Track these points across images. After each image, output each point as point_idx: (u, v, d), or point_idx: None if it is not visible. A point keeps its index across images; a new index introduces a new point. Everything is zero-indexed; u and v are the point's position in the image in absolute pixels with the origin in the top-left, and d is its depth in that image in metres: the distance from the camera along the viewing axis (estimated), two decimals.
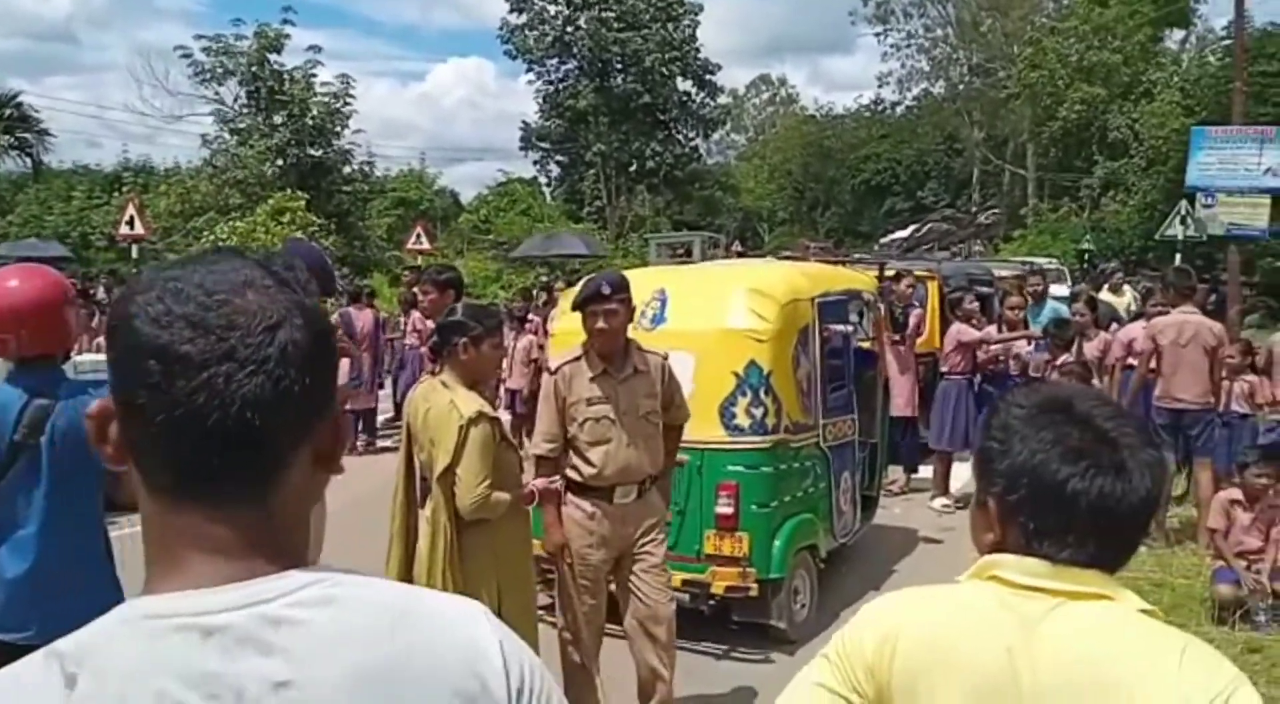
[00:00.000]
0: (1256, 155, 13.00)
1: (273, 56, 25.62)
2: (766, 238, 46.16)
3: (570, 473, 3.94)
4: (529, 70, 37.69)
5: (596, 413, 3.84)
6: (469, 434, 3.27)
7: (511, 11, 36.50)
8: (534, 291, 15.52)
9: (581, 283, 4.03)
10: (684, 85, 37.46)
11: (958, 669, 1.24)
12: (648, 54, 34.79)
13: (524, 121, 39.09)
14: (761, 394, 5.01)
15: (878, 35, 47.69)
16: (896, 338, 8.07)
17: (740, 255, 16.36)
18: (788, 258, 9.49)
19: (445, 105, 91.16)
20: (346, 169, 27.44)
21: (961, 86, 46.11)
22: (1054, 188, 40.19)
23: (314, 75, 26.05)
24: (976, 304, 8.75)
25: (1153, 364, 7.07)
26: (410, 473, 3.67)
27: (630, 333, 5.10)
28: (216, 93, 26.34)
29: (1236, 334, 10.71)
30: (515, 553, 3.43)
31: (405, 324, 9.85)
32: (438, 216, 37.99)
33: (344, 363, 6.98)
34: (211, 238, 20.70)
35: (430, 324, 5.23)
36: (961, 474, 8.13)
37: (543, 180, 40.53)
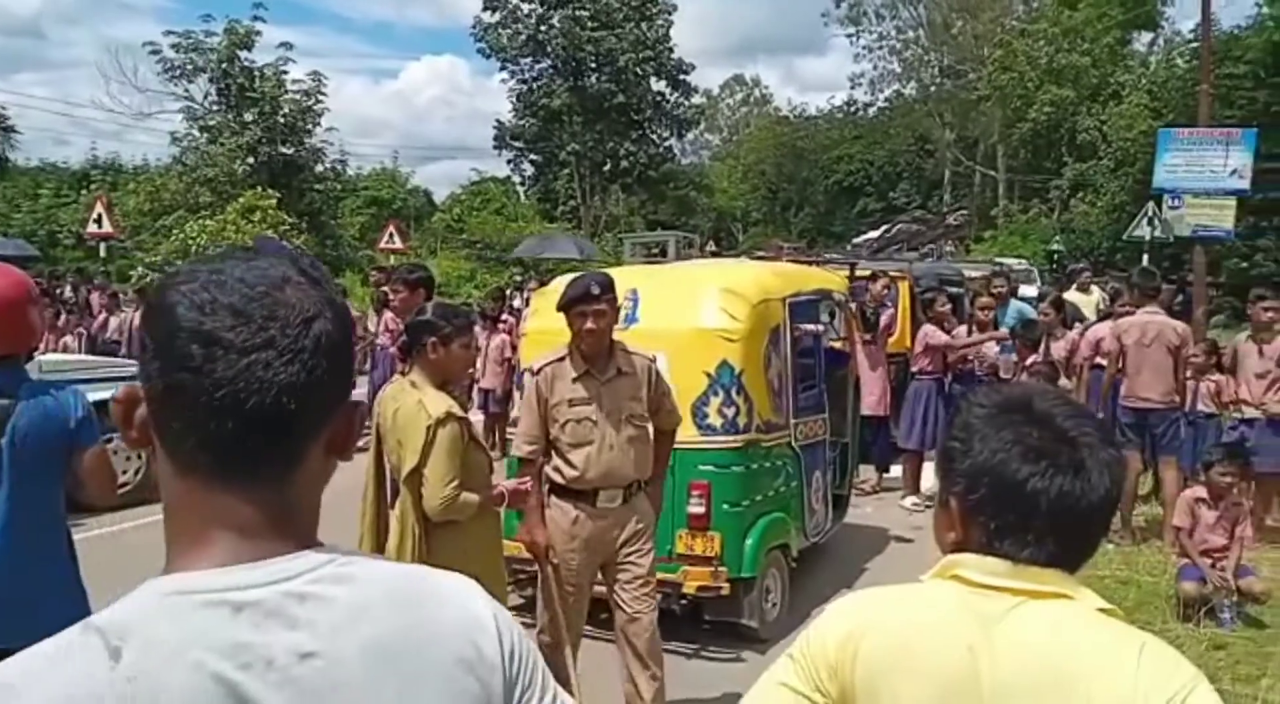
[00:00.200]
0: (1222, 157, 13.17)
1: (243, 53, 25.45)
2: (741, 238, 46.27)
3: (553, 475, 3.88)
4: (503, 69, 37.68)
5: (578, 414, 3.78)
6: (437, 435, 3.25)
7: (485, 9, 36.45)
8: (507, 291, 15.48)
9: (567, 282, 3.96)
10: (658, 85, 37.52)
11: (919, 668, 1.24)
12: (622, 53, 34.80)
13: (498, 120, 39.04)
14: (733, 394, 5.02)
15: (850, 37, 48.01)
16: (867, 338, 8.11)
17: (714, 255, 16.38)
18: (761, 258, 9.52)
19: (418, 103, 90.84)
20: (318, 167, 27.30)
21: (933, 88, 46.45)
22: (1024, 189, 40.56)
23: (285, 72, 25.91)
24: (949, 305, 8.81)
25: (1120, 364, 7.15)
26: (380, 472, 3.64)
27: None
28: (186, 90, 26.15)
29: (1203, 334, 10.86)
30: (485, 554, 3.41)
31: (377, 324, 9.79)
32: (411, 216, 37.83)
33: None
34: (181, 236, 20.51)
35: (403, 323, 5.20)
36: (931, 473, 8.17)
37: (516, 179, 40.53)
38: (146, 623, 0.83)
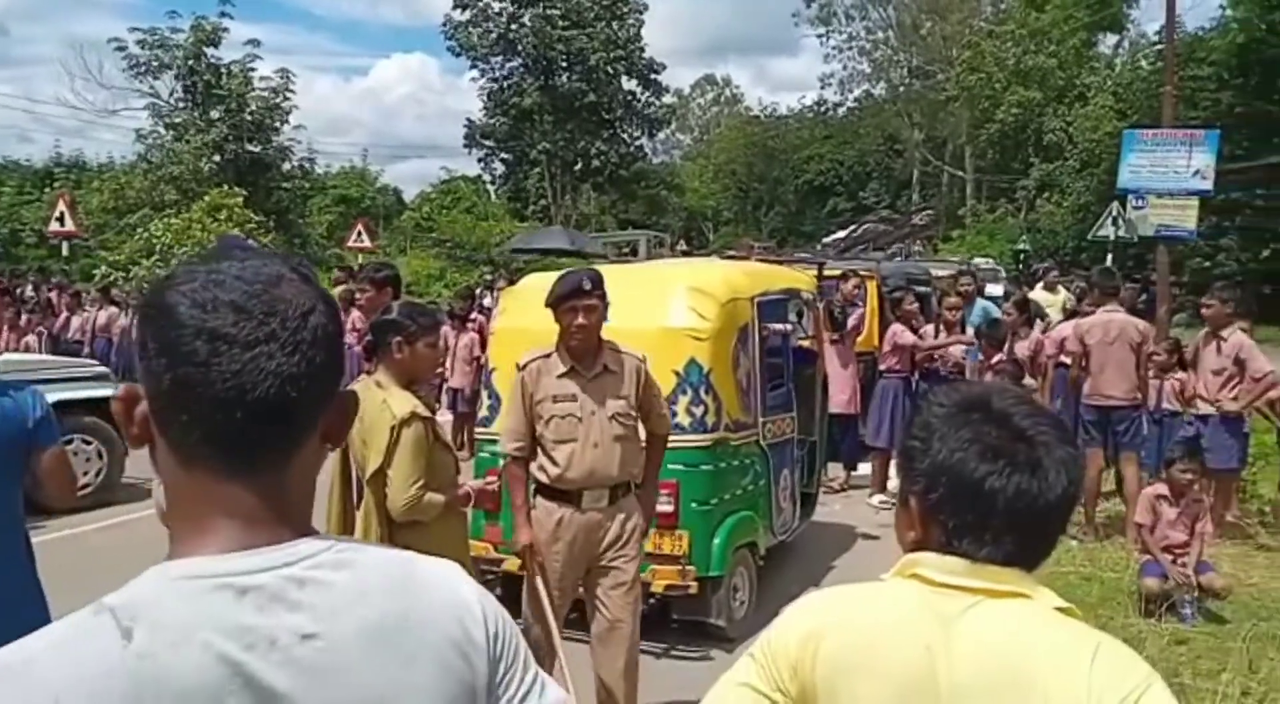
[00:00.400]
0: (1185, 158, 13.30)
1: (210, 50, 25.22)
2: (712, 237, 46.38)
3: (537, 474, 3.81)
4: (473, 67, 37.60)
5: (562, 410, 3.72)
6: (401, 435, 3.22)
7: (455, 8, 36.30)
8: (477, 290, 15.41)
9: (557, 278, 3.86)
10: (629, 84, 37.55)
11: (878, 667, 1.24)
12: (592, 53, 34.79)
13: (468, 119, 38.96)
14: (702, 392, 5.02)
15: (820, 37, 48.25)
16: (835, 337, 8.15)
17: (685, 254, 16.41)
18: (732, 257, 9.55)
19: (388, 102, 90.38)
20: (286, 165, 27.08)
21: (902, 88, 46.77)
22: (991, 189, 40.93)
23: (253, 70, 25.70)
24: (916, 304, 8.87)
25: (1083, 363, 7.23)
26: (346, 472, 3.60)
27: None
28: (152, 87, 25.89)
29: (1166, 333, 10.99)
30: (451, 554, 3.34)
31: (344, 324, 9.73)
32: (380, 214, 37.63)
33: None
34: (145, 235, 20.25)
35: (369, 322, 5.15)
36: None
37: (487, 178, 40.41)
38: (156, 605, 0.88)
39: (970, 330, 8.32)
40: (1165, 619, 5.30)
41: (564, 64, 36.03)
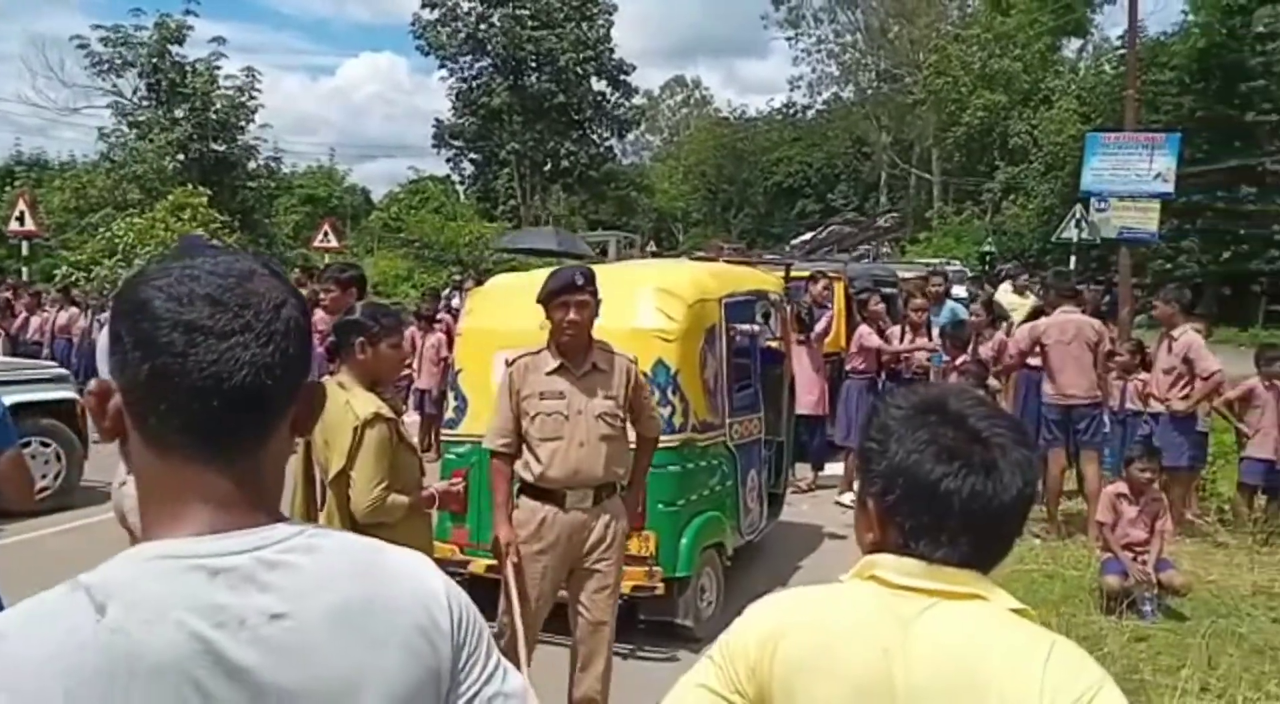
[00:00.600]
0: (1147, 161, 13.46)
1: (174, 48, 24.90)
2: (681, 238, 46.46)
3: (521, 472, 3.77)
4: (442, 67, 37.42)
5: (549, 408, 3.68)
6: (364, 436, 3.19)
7: (424, 6, 36.11)
8: (446, 291, 15.34)
9: (549, 274, 3.82)
10: (598, 85, 37.51)
11: (835, 669, 1.24)
12: (562, 53, 34.73)
13: (437, 119, 38.78)
14: (669, 393, 5.02)
15: (789, 39, 48.46)
16: (802, 338, 8.18)
17: (655, 255, 16.42)
18: (701, 258, 9.57)
19: (356, 101, 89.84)
20: (252, 164, 26.77)
21: (870, 92, 47.09)
22: (958, 192, 41.31)
23: (218, 68, 25.39)
24: (883, 305, 8.94)
25: (1037, 362, 7.38)
26: (309, 474, 3.56)
27: (539, 330, 5.08)
28: (114, 85, 25.53)
29: (1128, 334, 11.14)
30: None
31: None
32: (348, 214, 37.38)
33: None
34: (108, 234, 19.96)
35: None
36: None
37: (456, 179, 40.22)
38: (131, 583, 0.91)
39: (935, 342, 8.38)
40: (1126, 616, 5.36)
41: (533, 64, 35.94)
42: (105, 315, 9.43)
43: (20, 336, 13.94)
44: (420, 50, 36.98)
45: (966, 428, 1.27)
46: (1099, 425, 7.18)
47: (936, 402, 1.32)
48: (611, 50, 36.85)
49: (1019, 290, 12.65)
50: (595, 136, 38.46)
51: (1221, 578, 6.13)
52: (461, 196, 38.40)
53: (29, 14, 78.34)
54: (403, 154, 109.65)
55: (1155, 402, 7.24)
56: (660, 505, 4.95)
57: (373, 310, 3.54)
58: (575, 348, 3.71)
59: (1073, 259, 15.52)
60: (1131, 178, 13.49)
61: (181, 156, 24.42)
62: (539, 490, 3.74)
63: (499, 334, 5.33)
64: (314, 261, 19.11)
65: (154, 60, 24.54)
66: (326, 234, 19.54)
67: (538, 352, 3.77)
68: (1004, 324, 9.25)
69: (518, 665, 3.65)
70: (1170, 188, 13.52)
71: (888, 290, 10.25)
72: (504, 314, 5.53)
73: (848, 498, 8.19)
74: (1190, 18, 31.32)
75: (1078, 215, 14.23)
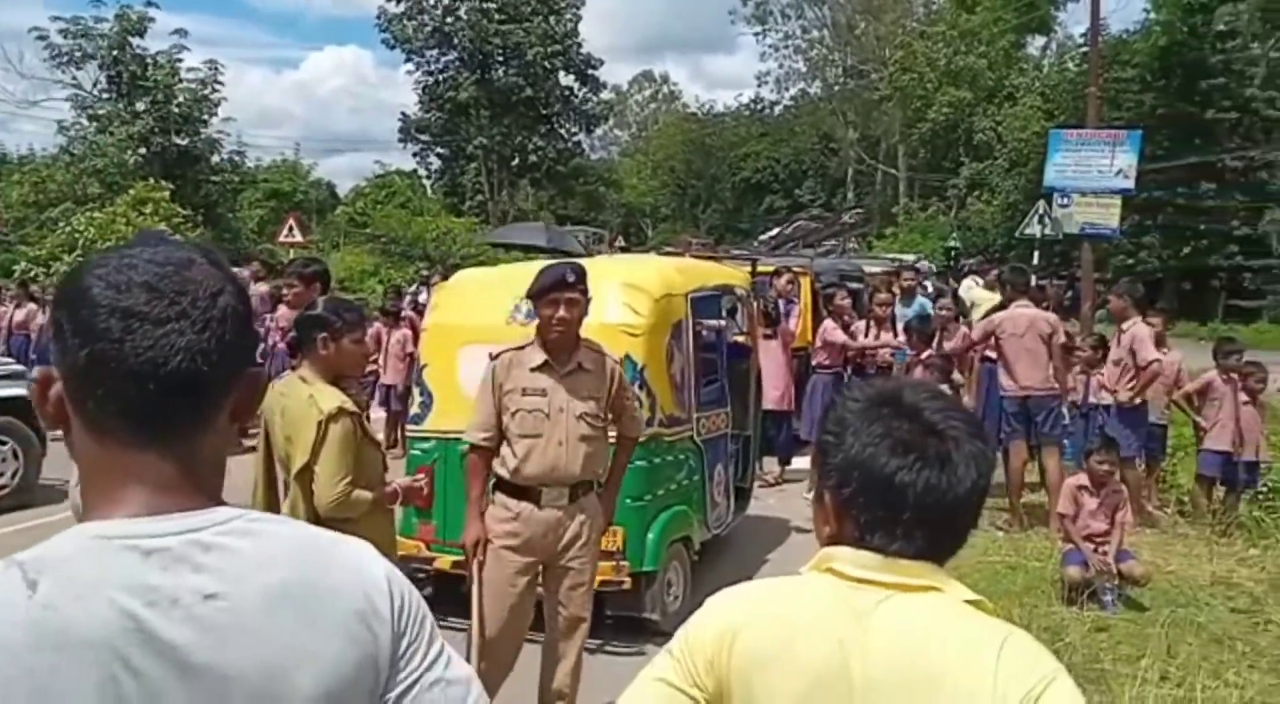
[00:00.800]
0: (1109, 158, 13.63)
1: (135, 40, 24.61)
2: (650, 234, 46.46)
3: (498, 468, 3.73)
4: (408, 60, 37.12)
5: (530, 405, 3.63)
6: (328, 431, 3.16)
7: None
8: (414, 286, 15.24)
9: (539, 270, 3.75)
10: (566, 80, 37.39)
11: (793, 661, 1.24)
12: (529, 47, 34.57)
13: (403, 113, 38.47)
14: (635, 388, 5.02)
15: (757, 35, 48.59)
16: (768, 332, 8.21)
17: (624, 251, 16.41)
18: (670, 253, 9.57)
19: (321, 94, 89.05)
20: (215, 158, 26.50)
21: (837, 87, 47.33)
22: (924, 187, 41.63)
23: (180, 60, 25.11)
24: (848, 300, 8.99)
25: (992, 353, 7.53)
26: (270, 470, 3.52)
27: (505, 326, 5.07)
28: (74, 77, 25.19)
29: (1090, 329, 11.28)
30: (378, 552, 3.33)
31: (270, 321, 9.50)
32: (313, 209, 37.05)
33: None
34: (68, 229, 19.66)
35: None
36: None
37: (423, 173, 39.93)
38: (64, 561, 0.92)
39: (901, 339, 8.43)
40: (1087, 607, 5.42)
41: (500, 58, 35.75)
42: None
43: None
44: (386, 44, 36.72)
45: (921, 421, 1.28)
46: (1058, 418, 7.27)
47: (892, 395, 1.33)
48: (579, 45, 36.75)
49: (989, 286, 12.76)
50: (563, 131, 38.35)
51: (1181, 568, 6.22)
52: (429, 191, 38.16)
53: None
54: (369, 148, 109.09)
55: (1105, 393, 7.39)
56: (627, 500, 4.92)
57: (335, 305, 3.51)
58: (562, 345, 3.67)
59: (1036, 255, 15.67)
60: (1093, 174, 13.65)
61: (143, 150, 24.12)
62: (514, 487, 3.71)
63: (464, 329, 5.31)
64: (279, 257, 18.90)
65: (114, 53, 24.24)
66: (291, 229, 19.33)
67: (523, 347, 3.72)
68: (965, 319, 9.33)
69: (490, 661, 3.66)
70: (1131, 184, 13.69)
71: (853, 285, 10.31)
72: (469, 309, 5.51)
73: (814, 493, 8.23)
74: (1152, 16, 31.76)
75: (1041, 211, 14.37)
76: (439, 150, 38.35)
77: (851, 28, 45.76)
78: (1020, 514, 7.26)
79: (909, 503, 1.24)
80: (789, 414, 8.60)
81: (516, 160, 36.15)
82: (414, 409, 5.52)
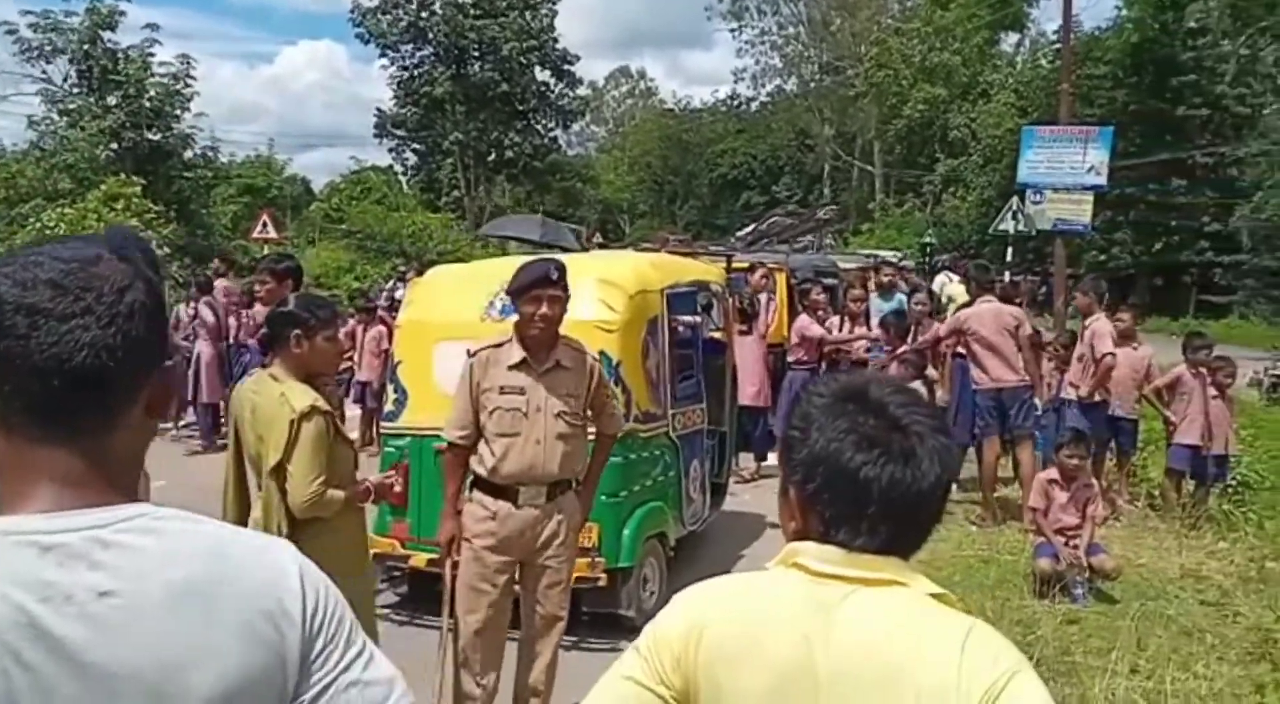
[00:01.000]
0: (1081, 154, 13.76)
1: (106, 34, 24.26)
2: (627, 230, 46.44)
3: (475, 466, 3.71)
4: (383, 55, 36.81)
5: (507, 403, 3.61)
6: (301, 429, 3.13)
7: None
8: (390, 283, 15.15)
9: (520, 267, 3.72)
10: (542, 75, 37.22)
11: (758, 656, 1.25)
12: (505, 42, 34.40)
13: (378, 108, 38.14)
14: (611, 384, 5.02)
15: (733, 31, 48.65)
16: (743, 328, 8.23)
17: (601, 247, 16.38)
18: (646, 249, 9.58)
19: (296, 89, 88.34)
20: (188, 154, 26.18)
21: (813, 84, 47.48)
22: (899, 184, 41.83)
23: (151, 55, 24.76)
24: (824, 296, 9.02)
25: (963, 349, 7.60)
26: (240, 469, 3.49)
27: (480, 322, 5.05)
28: (44, 71, 24.80)
29: (1063, 324, 11.37)
30: (351, 550, 3.31)
31: (244, 318, 9.44)
32: (287, 205, 36.79)
33: None
34: (38, 225, 19.41)
35: None
36: None
37: (398, 169, 39.70)
38: None
39: (876, 332, 8.48)
40: (1058, 599, 5.47)
41: (476, 53, 35.54)
42: None
43: None
44: (360, 38, 36.38)
45: (886, 416, 1.28)
46: (1030, 409, 7.34)
47: (857, 390, 1.33)
48: (555, 40, 36.59)
49: (965, 281, 12.84)
50: (540, 127, 38.17)
51: (1151, 561, 6.29)
52: (404, 187, 37.93)
53: None
54: (344, 143, 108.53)
55: (1070, 387, 7.48)
56: (603, 496, 4.91)
57: (307, 302, 3.47)
58: (541, 343, 3.65)
59: (1010, 250, 15.80)
60: (1066, 170, 13.77)
61: (114, 145, 23.82)
62: (492, 486, 3.69)
63: (438, 326, 5.30)
64: (252, 253, 18.75)
65: (85, 47, 23.92)
66: (265, 225, 19.16)
67: (500, 344, 3.69)
68: (939, 315, 9.40)
69: (470, 660, 3.65)
70: (1103, 180, 13.83)
71: (829, 281, 10.35)
72: (444, 306, 5.49)
73: None
74: (1124, 13, 32.04)
75: (1014, 207, 14.49)
76: (415, 146, 38.12)
77: (827, 24, 45.90)
78: (994, 508, 7.32)
79: (873, 498, 1.25)
80: (765, 410, 8.63)
81: (493, 156, 35.98)
82: (388, 406, 5.50)
